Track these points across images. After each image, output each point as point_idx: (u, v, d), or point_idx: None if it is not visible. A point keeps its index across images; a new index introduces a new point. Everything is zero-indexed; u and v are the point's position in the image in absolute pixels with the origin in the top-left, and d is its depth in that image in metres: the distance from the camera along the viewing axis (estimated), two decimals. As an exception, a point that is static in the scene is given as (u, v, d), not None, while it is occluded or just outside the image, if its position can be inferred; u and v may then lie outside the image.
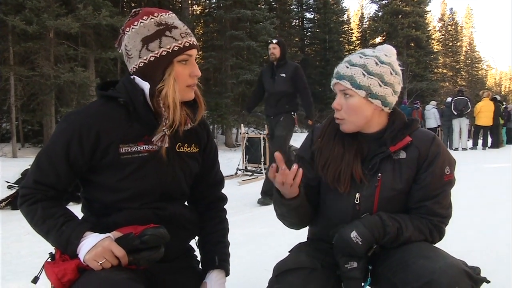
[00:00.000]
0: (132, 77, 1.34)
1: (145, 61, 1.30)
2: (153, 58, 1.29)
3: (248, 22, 15.18)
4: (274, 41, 5.17)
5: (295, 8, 25.84)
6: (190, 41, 1.32)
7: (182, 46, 1.29)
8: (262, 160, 7.90)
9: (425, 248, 1.35)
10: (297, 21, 26.78)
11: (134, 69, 1.33)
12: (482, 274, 1.29)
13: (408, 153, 1.43)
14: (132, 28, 1.32)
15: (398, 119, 1.48)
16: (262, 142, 7.95)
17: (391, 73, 1.43)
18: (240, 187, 6.81)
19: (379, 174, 1.42)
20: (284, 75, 5.11)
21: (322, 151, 1.50)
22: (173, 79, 1.29)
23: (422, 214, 1.42)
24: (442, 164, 1.42)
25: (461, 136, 12.87)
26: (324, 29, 25.32)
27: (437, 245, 1.43)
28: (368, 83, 1.39)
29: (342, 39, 27.90)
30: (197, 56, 1.48)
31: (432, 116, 14.28)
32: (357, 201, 1.43)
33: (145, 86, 1.30)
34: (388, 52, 1.47)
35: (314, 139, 1.56)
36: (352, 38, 31.52)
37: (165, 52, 1.28)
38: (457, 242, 2.58)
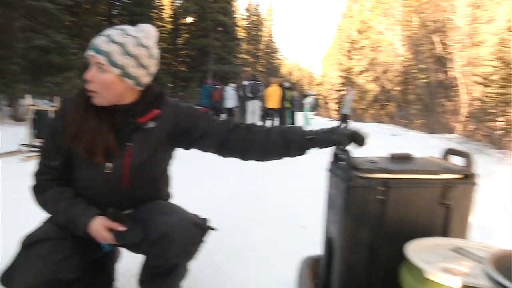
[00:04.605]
0: None
1: None
2: None
3: (44, -20, 13.45)
4: None
5: (101, -27, 24.03)
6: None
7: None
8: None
9: (164, 206, 1.59)
10: (104, -13, 25.01)
11: None
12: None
13: (158, 123, 1.57)
14: None
15: (149, 94, 1.59)
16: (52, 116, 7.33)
17: (148, 57, 1.50)
18: (24, 165, 6.21)
19: (129, 144, 1.53)
20: None
21: (75, 123, 1.50)
22: None
23: (240, 129, 1.61)
24: (189, 109, 1.65)
25: (253, 116, 14.37)
26: (134, 1, 24.31)
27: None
28: (123, 63, 1.43)
29: (152, 14, 27.30)
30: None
31: (230, 97, 15.45)
32: (107, 170, 1.51)
33: None
34: (149, 34, 1.53)
35: (67, 111, 1.54)
36: (163, 15, 31.18)
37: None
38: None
